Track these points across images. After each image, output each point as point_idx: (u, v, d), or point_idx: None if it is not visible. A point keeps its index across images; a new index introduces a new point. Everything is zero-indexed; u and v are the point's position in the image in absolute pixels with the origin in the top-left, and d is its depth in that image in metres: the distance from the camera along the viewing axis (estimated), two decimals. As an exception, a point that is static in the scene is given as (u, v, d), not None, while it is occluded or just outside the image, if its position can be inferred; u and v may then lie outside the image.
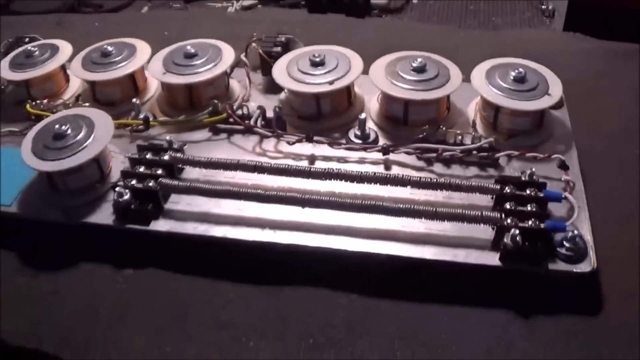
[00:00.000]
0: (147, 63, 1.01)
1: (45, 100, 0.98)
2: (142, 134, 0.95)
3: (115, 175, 0.88)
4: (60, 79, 1.05)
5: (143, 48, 1.02)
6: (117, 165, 0.90)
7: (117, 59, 1.00)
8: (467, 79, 0.94)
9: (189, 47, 0.99)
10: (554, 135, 0.92)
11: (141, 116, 0.94)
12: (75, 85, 1.06)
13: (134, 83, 1.01)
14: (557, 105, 0.93)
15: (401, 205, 0.78)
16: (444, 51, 1.05)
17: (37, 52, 1.03)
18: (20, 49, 1.05)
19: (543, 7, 1.33)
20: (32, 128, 0.89)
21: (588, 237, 0.77)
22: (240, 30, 1.27)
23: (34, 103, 0.97)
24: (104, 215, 0.84)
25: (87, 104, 0.97)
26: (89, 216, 0.84)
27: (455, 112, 0.96)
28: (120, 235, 0.84)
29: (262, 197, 0.80)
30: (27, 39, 1.12)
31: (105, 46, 1.01)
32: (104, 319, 0.77)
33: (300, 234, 0.80)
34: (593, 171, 0.90)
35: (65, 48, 1.04)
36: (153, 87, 1.05)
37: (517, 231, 0.74)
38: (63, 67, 1.04)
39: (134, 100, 0.95)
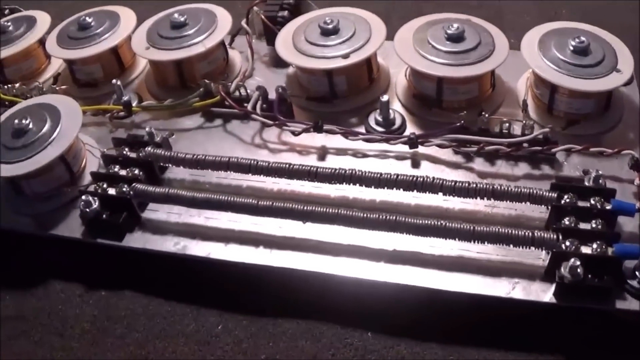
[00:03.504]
0: (133, 33, 0.78)
1: (17, 84, 0.76)
2: (125, 122, 0.74)
3: (88, 175, 0.67)
4: (38, 56, 0.83)
5: (128, 16, 0.79)
6: (93, 162, 0.69)
7: (97, 31, 0.77)
8: (515, 45, 0.70)
9: (176, 15, 0.75)
10: (623, 120, 0.68)
11: (124, 99, 0.72)
12: (57, 63, 0.84)
13: (117, 59, 0.79)
14: (627, 82, 0.67)
15: (429, 222, 0.55)
16: (487, 9, 0.83)
17: (11, 27, 0.81)
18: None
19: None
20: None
21: (668, 263, 0.55)
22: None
23: (6, 87, 0.76)
24: (72, 226, 0.65)
25: (64, 87, 0.76)
26: (56, 227, 0.65)
27: (502, 89, 0.72)
28: (92, 250, 0.65)
29: (253, 208, 0.59)
30: (6, 10, 0.89)
31: (83, 17, 0.78)
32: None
33: (300, 254, 0.59)
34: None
35: (43, 20, 0.82)
36: (142, 63, 0.82)
37: (578, 261, 0.52)
38: (42, 43, 0.82)
39: (114, 81, 0.73)
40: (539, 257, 0.56)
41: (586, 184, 0.59)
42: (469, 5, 0.89)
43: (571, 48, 0.66)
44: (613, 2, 0.93)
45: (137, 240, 0.63)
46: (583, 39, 0.66)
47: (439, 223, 0.56)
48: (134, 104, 0.73)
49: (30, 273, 0.66)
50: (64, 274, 0.66)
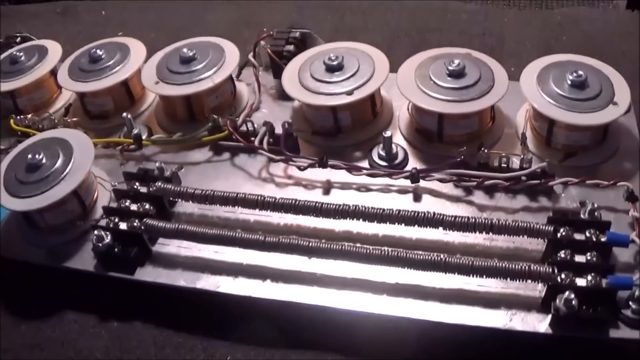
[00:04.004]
0: (144, 64, 0.82)
1: (29, 115, 0.80)
2: (135, 154, 0.77)
3: (99, 207, 0.70)
4: (50, 86, 0.87)
5: (137, 49, 0.83)
6: (104, 194, 0.72)
7: (108, 64, 0.81)
8: (516, 73, 0.73)
9: (185, 50, 0.78)
10: (619, 150, 0.71)
11: (134, 132, 0.76)
12: (68, 93, 0.87)
13: (128, 91, 0.82)
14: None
15: (428, 258, 0.59)
16: (490, 37, 0.85)
17: (23, 58, 0.85)
18: (5, 54, 0.86)
19: (604, -22, 1.09)
20: (7, 156, 0.72)
21: (661, 291, 0.59)
22: (258, 16, 1.07)
23: (19, 117, 0.80)
24: (85, 259, 0.68)
25: (75, 119, 0.80)
26: (69, 259, 0.68)
27: (502, 122, 0.75)
28: (105, 282, 0.68)
29: (260, 244, 0.63)
30: (18, 38, 0.93)
31: (94, 50, 0.82)
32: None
33: (306, 288, 0.62)
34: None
35: (54, 50, 0.86)
36: (152, 95, 0.85)
37: (573, 294, 0.55)
38: (54, 73, 0.85)
39: (124, 114, 0.76)
40: (536, 289, 0.59)
41: (582, 216, 0.61)
42: (472, 33, 0.93)
43: (569, 82, 0.69)
44: (612, 28, 0.95)
45: (148, 274, 0.66)
46: (580, 72, 0.69)
47: (438, 258, 0.59)
48: (144, 137, 0.77)
49: (45, 303, 0.69)
50: (78, 305, 0.68)
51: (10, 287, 0.72)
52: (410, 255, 0.60)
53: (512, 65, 0.75)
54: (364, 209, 0.63)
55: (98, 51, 0.82)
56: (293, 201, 0.65)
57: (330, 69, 0.74)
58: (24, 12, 1.22)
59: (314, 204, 0.64)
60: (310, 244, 0.62)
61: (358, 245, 0.61)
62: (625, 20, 0.98)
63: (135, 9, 1.19)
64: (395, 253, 0.60)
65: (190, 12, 1.15)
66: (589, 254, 0.59)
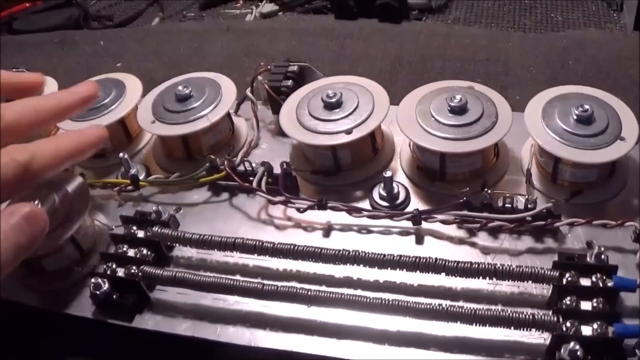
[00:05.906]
0: (141, 99, 0.81)
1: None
2: (133, 195, 0.76)
3: (98, 252, 0.69)
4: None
5: (133, 85, 0.81)
6: (103, 238, 0.71)
7: (104, 102, 0.79)
8: (521, 101, 0.71)
9: (180, 88, 0.77)
10: (628, 185, 0.70)
11: (131, 172, 0.75)
12: (68, 132, 0.87)
13: (125, 129, 0.82)
14: (632, 146, 0.70)
15: (429, 306, 0.58)
16: (494, 63, 0.83)
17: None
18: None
19: (609, -3, 1.08)
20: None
21: (672, 337, 0.57)
22: (258, 45, 1.07)
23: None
24: (84, 305, 0.67)
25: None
26: (68, 305, 0.67)
27: (506, 158, 0.74)
28: (104, 328, 0.67)
29: (258, 292, 0.62)
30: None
31: (90, 87, 0.82)
32: None
33: (305, 337, 0.61)
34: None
35: (51, 87, 0.83)
36: (149, 133, 0.84)
37: (578, 345, 0.54)
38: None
39: (120, 154, 0.75)
40: (541, 336, 0.58)
41: (588, 260, 0.60)
42: (476, 59, 0.91)
43: (574, 117, 0.67)
44: (618, 51, 0.93)
45: (146, 321, 0.65)
46: (586, 107, 0.67)
47: (440, 307, 0.58)
48: (141, 177, 0.76)
49: (48, 348, 0.70)
50: (81, 350, 0.69)
51: (12, 330, 0.71)
52: (410, 304, 0.59)
53: (517, 94, 0.74)
54: (363, 254, 0.62)
55: (94, 89, 0.81)
56: (291, 246, 0.64)
57: (329, 106, 0.73)
58: (22, 42, 1.22)
59: (312, 249, 0.64)
60: (309, 293, 0.61)
61: (358, 293, 0.61)
62: (632, 42, 0.96)
63: (132, 38, 1.19)
64: (396, 302, 0.59)
65: (188, 41, 1.14)
66: (595, 300, 0.58)
